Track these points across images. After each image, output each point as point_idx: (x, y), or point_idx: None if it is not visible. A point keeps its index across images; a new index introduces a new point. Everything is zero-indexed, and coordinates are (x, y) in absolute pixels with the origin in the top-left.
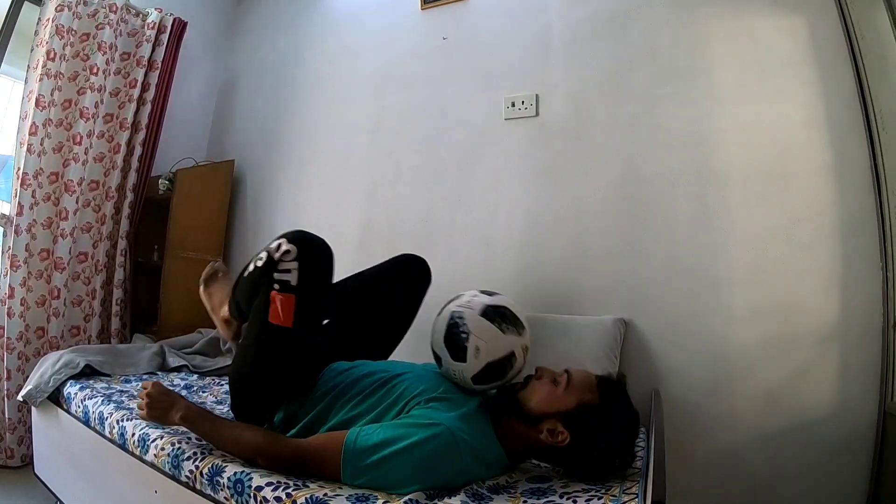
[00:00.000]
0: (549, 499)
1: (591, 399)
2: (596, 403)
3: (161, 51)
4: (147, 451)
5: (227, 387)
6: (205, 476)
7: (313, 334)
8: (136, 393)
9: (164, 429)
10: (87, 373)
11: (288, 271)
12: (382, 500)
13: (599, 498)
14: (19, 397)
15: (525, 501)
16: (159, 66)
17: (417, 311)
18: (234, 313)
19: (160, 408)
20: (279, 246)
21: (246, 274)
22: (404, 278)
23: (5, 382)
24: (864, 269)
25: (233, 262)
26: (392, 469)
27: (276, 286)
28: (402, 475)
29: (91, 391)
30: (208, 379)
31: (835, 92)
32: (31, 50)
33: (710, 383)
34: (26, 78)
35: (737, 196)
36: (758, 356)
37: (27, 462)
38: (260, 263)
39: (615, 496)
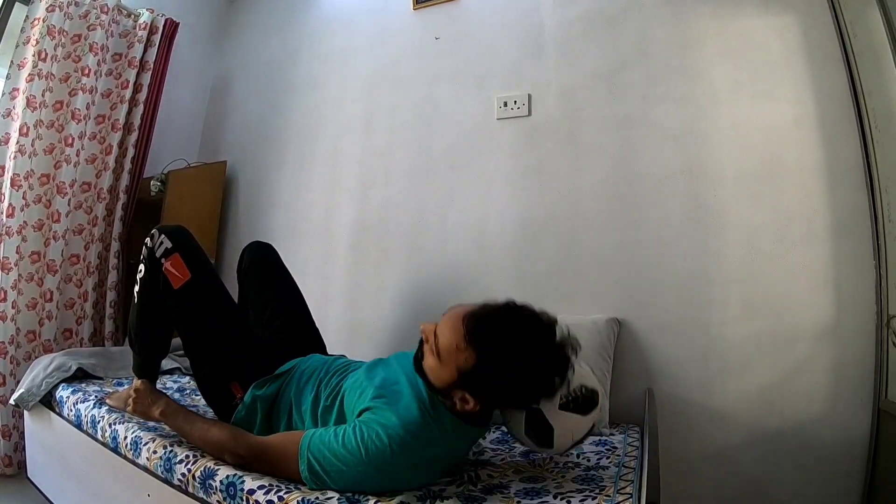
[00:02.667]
0: (543, 499)
1: (465, 361)
2: (473, 363)
3: (153, 52)
4: (139, 455)
5: None
6: (197, 479)
7: (222, 291)
8: None
9: (155, 431)
10: (80, 376)
11: (161, 244)
12: (374, 501)
13: (594, 498)
14: (11, 401)
15: (519, 502)
16: (151, 66)
17: (288, 277)
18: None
19: (144, 403)
20: (143, 248)
21: (133, 308)
22: (249, 269)
23: None
24: (857, 266)
25: (225, 264)
26: (348, 478)
27: (162, 260)
28: (359, 482)
29: (83, 395)
30: None
31: (827, 90)
32: (17, 47)
33: (703, 382)
34: (8, 74)
35: (729, 195)
36: (751, 355)
37: (24, 469)
38: (141, 276)
39: (609, 496)
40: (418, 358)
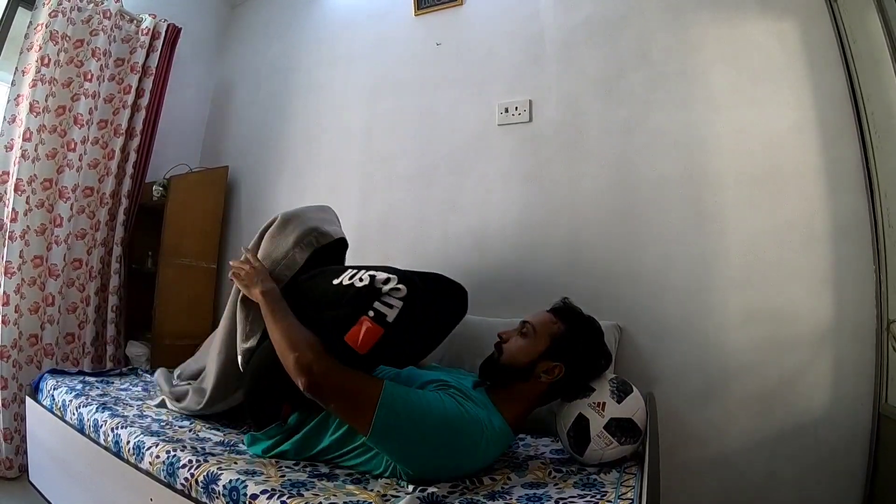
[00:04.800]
0: None
1: (559, 329)
2: (564, 330)
3: (155, 57)
4: (142, 459)
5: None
6: (200, 484)
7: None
8: (129, 400)
9: (158, 437)
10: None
11: (390, 306)
12: None
13: (595, 503)
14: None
15: None
16: (153, 72)
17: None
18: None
19: (253, 279)
20: (388, 280)
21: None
22: (447, 317)
23: (0, 391)
24: (856, 271)
25: (226, 269)
26: (420, 433)
27: (371, 314)
28: (425, 441)
29: (86, 398)
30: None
31: (827, 95)
32: (21, 53)
33: (704, 387)
34: (13, 80)
35: (730, 200)
36: (752, 360)
37: (25, 472)
38: (360, 284)
39: (610, 501)
40: (493, 357)
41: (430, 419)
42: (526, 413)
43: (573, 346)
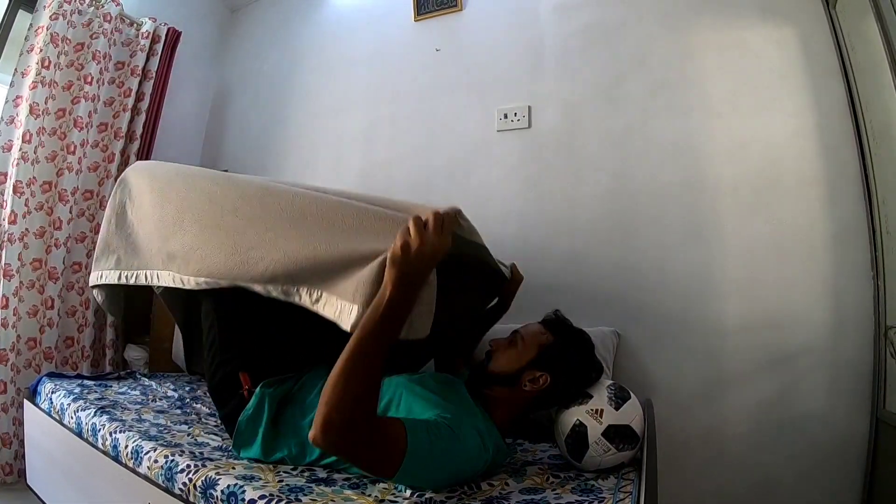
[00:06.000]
0: None
1: (547, 339)
2: (553, 340)
3: (155, 61)
4: (140, 464)
5: None
6: (198, 489)
7: None
8: (127, 404)
9: (157, 441)
10: None
11: None
12: None
13: None
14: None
15: None
16: (153, 75)
17: None
18: None
19: (420, 265)
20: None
21: None
22: None
23: None
24: (855, 278)
25: None
26: (442, 470)
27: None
28: (445, 474)
29: (84, 402)
30: (200, 391)
31: (826, 102)
32: (21, 55)
33: (702, 393)
34: (12, 81)
35: (728, 207)
36: (750, 366)
37: (24, 477)
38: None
39: None
40: (484, 365)
41: (454, 461)
42: (509, 420)
43: (561, 356)
